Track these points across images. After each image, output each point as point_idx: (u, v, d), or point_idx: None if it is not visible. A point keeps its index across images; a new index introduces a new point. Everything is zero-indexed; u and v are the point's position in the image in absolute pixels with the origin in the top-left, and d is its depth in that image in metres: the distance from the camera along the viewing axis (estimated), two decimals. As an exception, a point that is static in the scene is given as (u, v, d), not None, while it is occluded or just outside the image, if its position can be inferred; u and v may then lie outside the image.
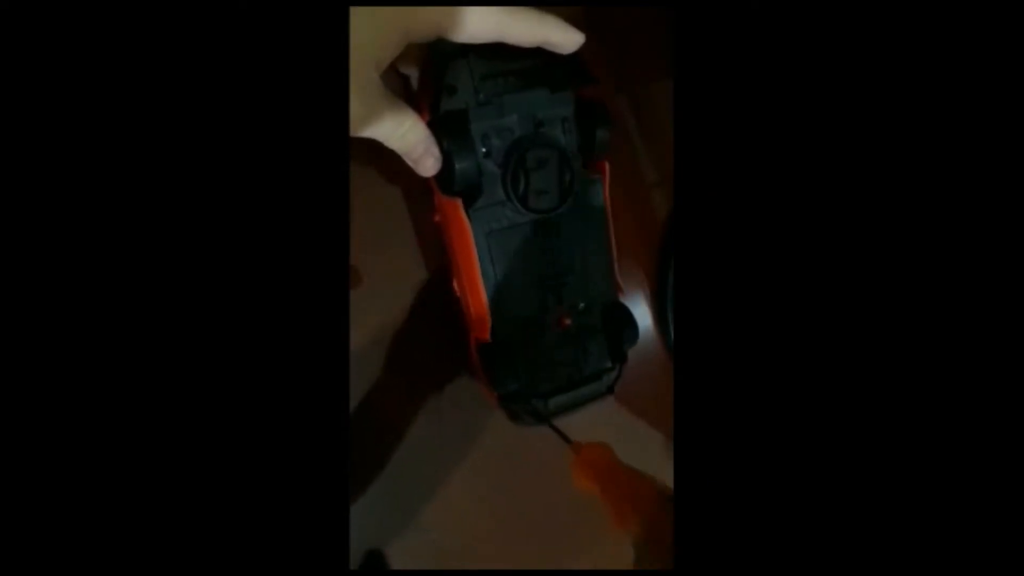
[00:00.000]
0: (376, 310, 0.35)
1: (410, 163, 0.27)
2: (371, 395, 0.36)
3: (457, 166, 0.28)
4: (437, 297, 0.36)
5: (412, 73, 0.30)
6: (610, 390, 0.34)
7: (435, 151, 0.27)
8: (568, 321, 0.32)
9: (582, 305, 0.32)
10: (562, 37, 0.26)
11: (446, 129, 0.27)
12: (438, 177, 0.29)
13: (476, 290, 0.30)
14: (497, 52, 0.27)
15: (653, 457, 0.43)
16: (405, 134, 0.26)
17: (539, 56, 0.27)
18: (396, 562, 0.38)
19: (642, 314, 0.43)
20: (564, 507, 0.38)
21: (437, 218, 0.33)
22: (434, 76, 0.28)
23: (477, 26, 0.24)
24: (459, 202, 0.29)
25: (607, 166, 0.31)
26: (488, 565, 0.40)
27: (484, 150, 0.28)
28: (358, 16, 0.21)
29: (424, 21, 0.24)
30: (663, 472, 0.33)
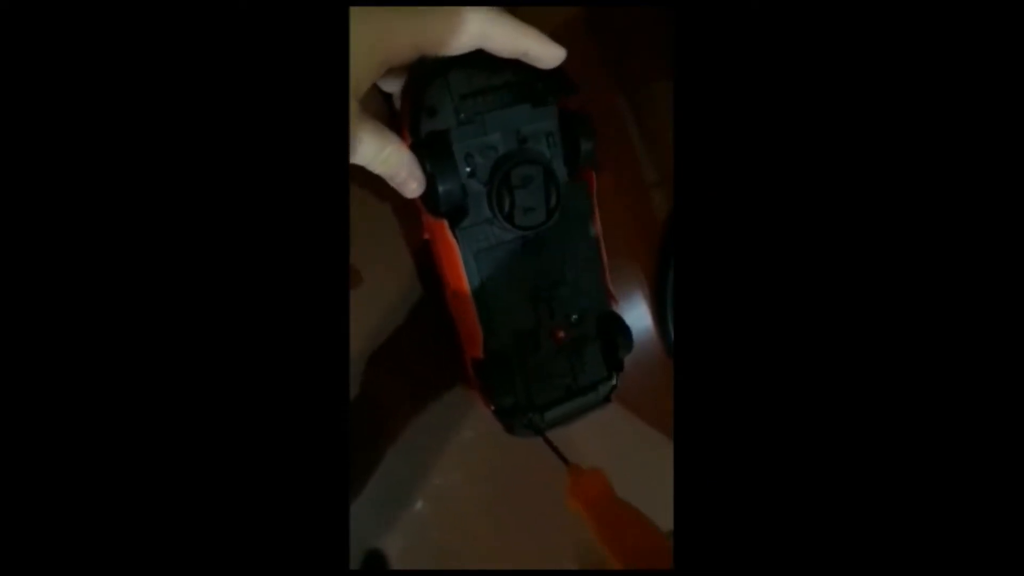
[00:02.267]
0: (375, 312, 0.35)
1: (394, 186, 0.27)
2: (371, 394, 0.36)
3: (440, 188, 0.28)
4: (434, 304, 0.36)
5: (395, 91, 0.30)
6: (607, 400, 0.34)
7: (418, 174, 0.27)
8: (562, 334, 0.32)
9: (575, 317, 0.32)
10: (542, 51, 0.26)
11: (428, 151, 0.27)
12: (423, 198, 0.28)
13: (467, 308, 0.30)
14: (478, 69, 0.27)
15: (653, 458, 0.43)
16: (387, 159, 0.26)
17: (521, 70, 0.27)
18: (396, 562, 0.38)
19: (642, 314, 0.43)
20: (564, 506, 0.38)
21: (426, 235, 0.33)
22: (414, 97, 0.28)
23: (457, 42, 0.24)
24: (445, 223, 0.29)
25: (594, 177, 0.31)
26: (488, 565, 0.40)
27: (468, 169, 0.28)
28: None
29: (402, 45, 0.24)
30: (662, 475, 0.33)
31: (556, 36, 0.37)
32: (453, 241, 0.29)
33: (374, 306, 0.35)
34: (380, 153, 0.25)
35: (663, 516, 0.31)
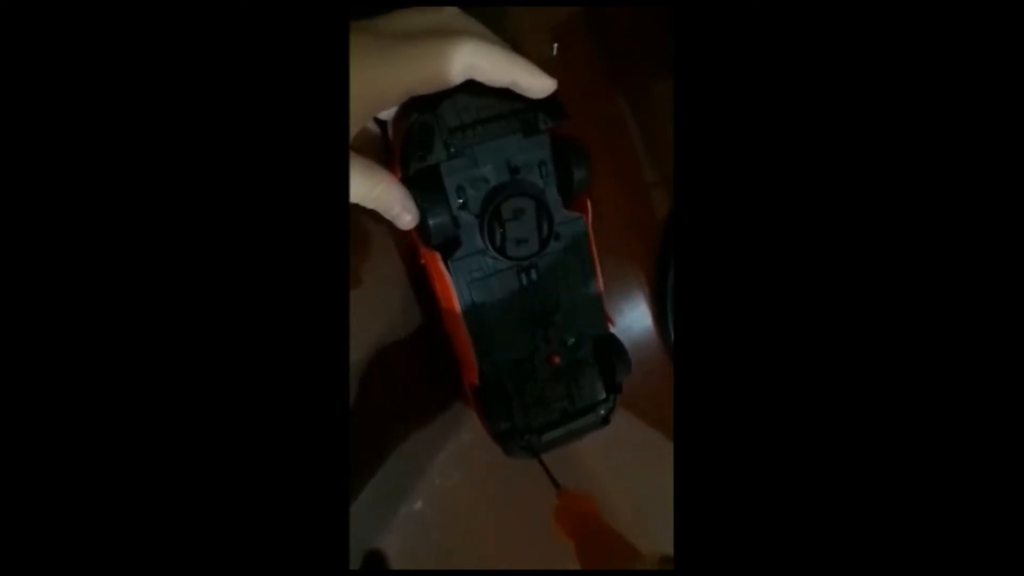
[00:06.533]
0: (375, 317, 0.35)
1: (388, 218, 0.28)
2: (371, 395, 0.36)
3: (431, 222, 0.28)
4: (429, 321, 0.36)
5: (389, 118, 0.30)
6: (605, 421, 0.34)
7: (411, 207, 0.27)
8: (558, 359, 0.32)
9: (571, 341, 0.32)
10: (531, 81, 0.26)
11: (418, 186, 0.28)
12: (417, 229, 0.29)
13: (461, 337, 0.30)
14: (468, 101, 0.27)
15: (653, 458, 0.43)
16: (379, 195, 0.26)
17: (512, 99, 0.27)
18: (396, 562, 0.38)
19: (642, 314, 0.43)
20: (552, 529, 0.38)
21: (423, 261, 0.33)
22: (404, 134, 0.28)
23: (446, 77, 0.24)
24: (438, 255, 0.29)
25: (589, 203, 0.31)
26: (488, 565, 0.40)
27: (460, 201, 0.28)
28: None
29: (391, 88, 0.24)
30: (661, 475, 0.33)
31: (556, 36, 0.37)
32: (446, 273, 0.29)
33: (374, 312, 0.35)
34: (372, 191, 0.26)
35: (663, 516, 0.31)
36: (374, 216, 0.27)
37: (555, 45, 0.37)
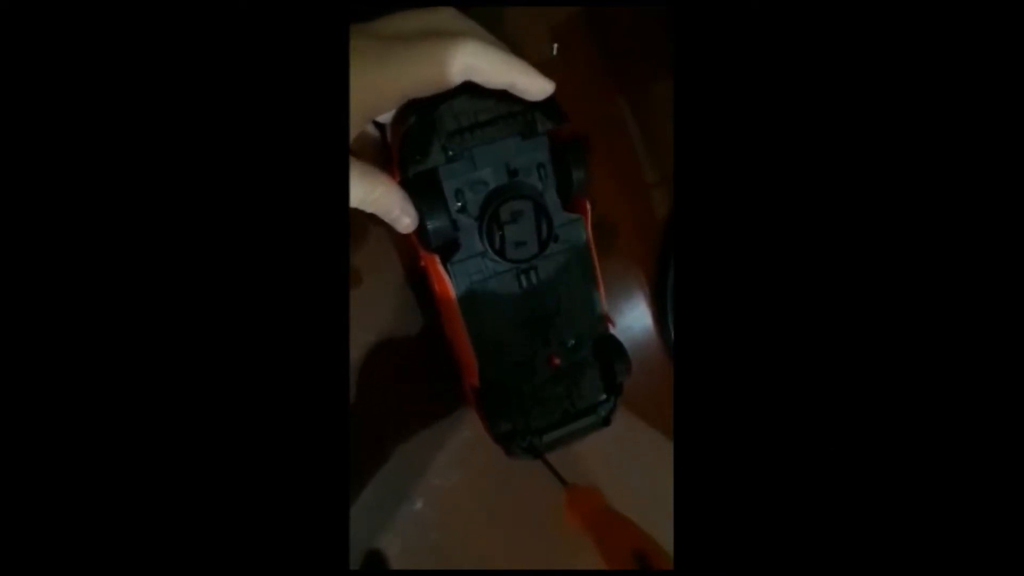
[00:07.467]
0: (375, 317, 0.35)
1: (388, 221, 0.28)
2: (370, 395, 0.36)
3: (430, 226, 0.28)
4: (428, 321, 0.36)
5: (387, 120, 0.30)
6: (606, 422, 0.34)
7: (410, 210, 0.27)
8: (558, 360, 0.32)
9: (571, 342, 0.32)
10: (529, 83, 0.26)
11: (417, 189, 0.28)
12: (416, 232, 0.29)
13: (461, 339, 0.30)
14: (466, 104, 0.27)
15: (653, 458, 0.43)
16: (378, 199, 0.26)
17: (510, 101, 0.27)
18: (395, 562, 0.38)
19: (642, 314, 0.43)
20: (563, 522, 0.38)
21: (422, 264, 0.33)
22: (402, 138, 0.28)
23: (445, 79, 0.24)
24: (437, 257, 0.29)
25: (588, 204, 0.31)
26: (487, 565, 0.40)
27: (459, 204, 0.29)
28: None
29: (390, 93, 0.24)
30: (662, 475, 0.33)
31: (556, 36, 0.37)
32: (445, 276, 0.29)
33: (374, 312, 0.35)
34: (371, 195, 0.26)
35: (663, 516, 0.31)
36: (373, 217, 0.27)
37: (555, 45, 0.37)
